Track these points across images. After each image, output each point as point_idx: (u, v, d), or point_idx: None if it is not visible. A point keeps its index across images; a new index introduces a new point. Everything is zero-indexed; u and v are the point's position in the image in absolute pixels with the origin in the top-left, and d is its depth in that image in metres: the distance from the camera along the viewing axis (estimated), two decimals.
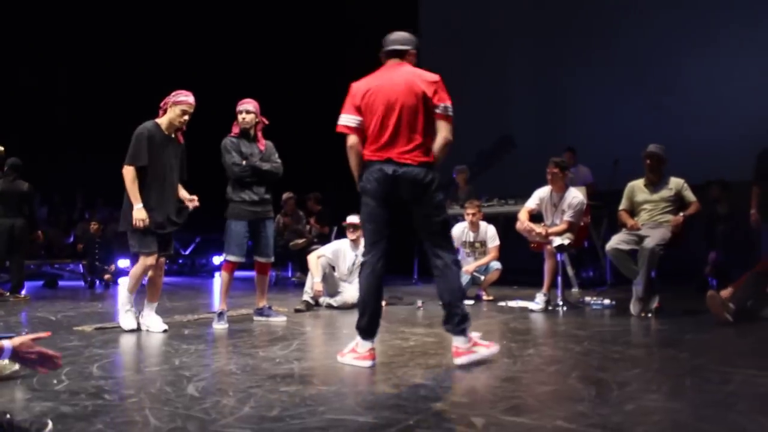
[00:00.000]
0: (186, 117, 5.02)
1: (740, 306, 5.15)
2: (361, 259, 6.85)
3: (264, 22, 13.86)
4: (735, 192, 8.00)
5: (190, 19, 13.75)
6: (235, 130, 5.58)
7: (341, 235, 7.32)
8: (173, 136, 5.11)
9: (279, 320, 5.67)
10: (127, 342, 4.56)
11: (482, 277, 7.39)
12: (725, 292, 5.18)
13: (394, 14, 13.29)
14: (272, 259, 5.81)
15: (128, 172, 4.87)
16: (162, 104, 5.06)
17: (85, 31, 13.36)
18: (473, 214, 7.47)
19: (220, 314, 5.34)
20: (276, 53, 13.78)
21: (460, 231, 7.62)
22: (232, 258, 5.52)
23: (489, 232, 7.54)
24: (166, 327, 5.01)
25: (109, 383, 3.17)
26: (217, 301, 5.92)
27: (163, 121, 5.04)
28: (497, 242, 7.49)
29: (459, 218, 8.14)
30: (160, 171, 4.99)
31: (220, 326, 5.23)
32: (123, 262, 11.27)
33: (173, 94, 5.02)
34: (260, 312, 5.77)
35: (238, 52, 13.71)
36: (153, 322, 5.05)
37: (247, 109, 5.56)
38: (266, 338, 4.67)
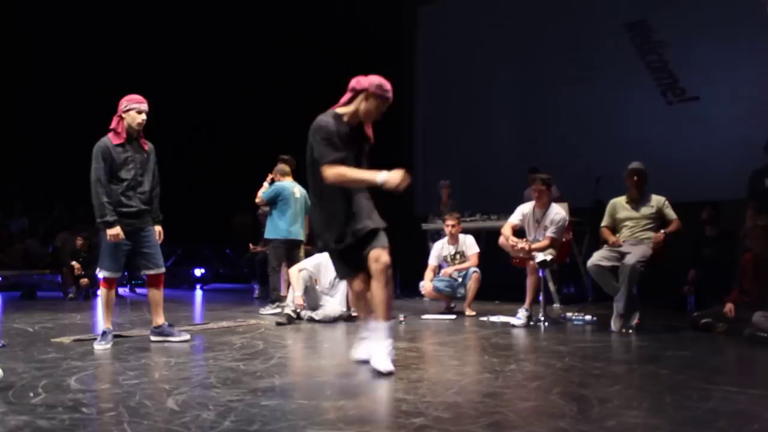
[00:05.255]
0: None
1: None
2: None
3: (250, 29, 13.88)
4: (724, 212, 8.05)
5: (178, 24, 13.72)
6: (119, 131, 4.91)
7: None
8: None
9: (181, 339, 5.10)
10: (105, 354, 4.50)
11: (462, 291, 7.41)
12: None
13: (393, 29, 13.39)
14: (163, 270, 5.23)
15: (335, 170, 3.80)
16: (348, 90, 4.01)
17: (66, 34, 13.22)
18: (453, 226, 7.58)
19: (104, 333, 4.86)
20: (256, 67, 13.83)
21: (439, 247, 7.73)
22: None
23: (467, 241, 7.68)
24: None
25: (87, 396, 3.13)
26: (101, 321, 5.15)
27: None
28: (476, 250, 7.62)
29: (441, 233, 8.17)
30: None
31: (101, 347, 4.71)
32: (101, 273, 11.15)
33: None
34: (158, 331, 5.16)
35: (214, 62, 13.73)
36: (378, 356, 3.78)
37: (146, 110, 4.96)
38: (247, 351, 4.64)
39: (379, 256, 3.77)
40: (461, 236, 7.69)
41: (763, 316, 5.08)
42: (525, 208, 6.65)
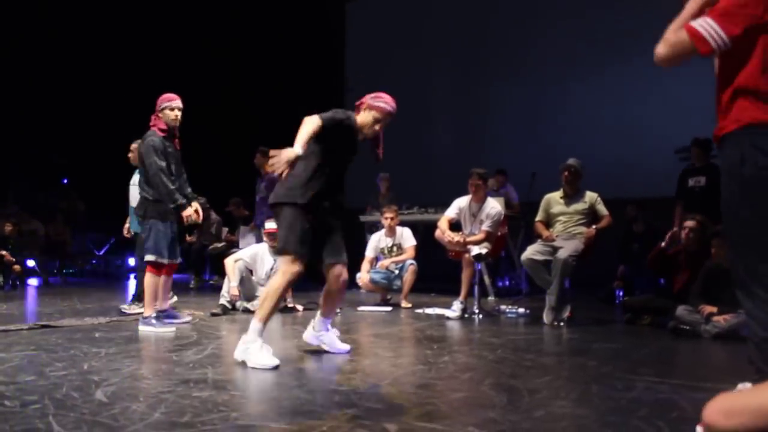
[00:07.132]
0: None
1: None
2: (278, 265, 6.83)
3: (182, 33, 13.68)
4: (650, 209, 8.32)
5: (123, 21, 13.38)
6: (162, 127, 5.36)
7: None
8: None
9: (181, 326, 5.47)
10: (32, 345, 4.37)
11: (398, 283, 7.47)
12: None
13: (322, 30, 13.38)
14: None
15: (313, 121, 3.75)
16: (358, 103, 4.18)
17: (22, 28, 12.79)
18: (392, 218, 7.62)
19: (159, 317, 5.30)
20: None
21: (376, 240, 7.77)
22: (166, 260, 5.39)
23: (404, 233, 7.75)
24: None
25: (10, 389, 3.04)
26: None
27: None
28: (413, 242, 7.69)
29: (379, 225, 8.20)
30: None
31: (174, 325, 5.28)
32: (30, 262, 10.84)
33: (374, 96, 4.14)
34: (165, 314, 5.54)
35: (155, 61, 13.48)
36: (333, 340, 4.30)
37: (180, 107, 5.42)
38: (180, 342, 4.57)
39: (341, 273, 4.03)
40: (398, 229, 7.74)
41: (685, 309, 5.29)
42: (462, 202, 6.73)
